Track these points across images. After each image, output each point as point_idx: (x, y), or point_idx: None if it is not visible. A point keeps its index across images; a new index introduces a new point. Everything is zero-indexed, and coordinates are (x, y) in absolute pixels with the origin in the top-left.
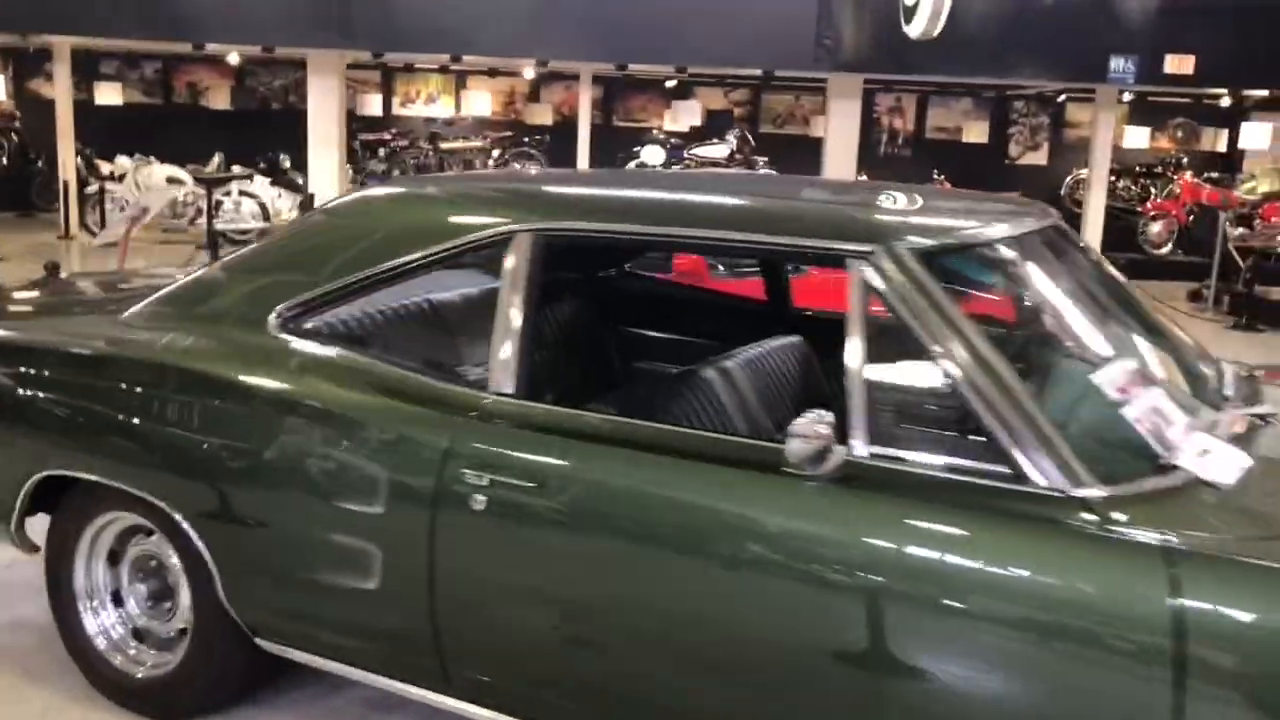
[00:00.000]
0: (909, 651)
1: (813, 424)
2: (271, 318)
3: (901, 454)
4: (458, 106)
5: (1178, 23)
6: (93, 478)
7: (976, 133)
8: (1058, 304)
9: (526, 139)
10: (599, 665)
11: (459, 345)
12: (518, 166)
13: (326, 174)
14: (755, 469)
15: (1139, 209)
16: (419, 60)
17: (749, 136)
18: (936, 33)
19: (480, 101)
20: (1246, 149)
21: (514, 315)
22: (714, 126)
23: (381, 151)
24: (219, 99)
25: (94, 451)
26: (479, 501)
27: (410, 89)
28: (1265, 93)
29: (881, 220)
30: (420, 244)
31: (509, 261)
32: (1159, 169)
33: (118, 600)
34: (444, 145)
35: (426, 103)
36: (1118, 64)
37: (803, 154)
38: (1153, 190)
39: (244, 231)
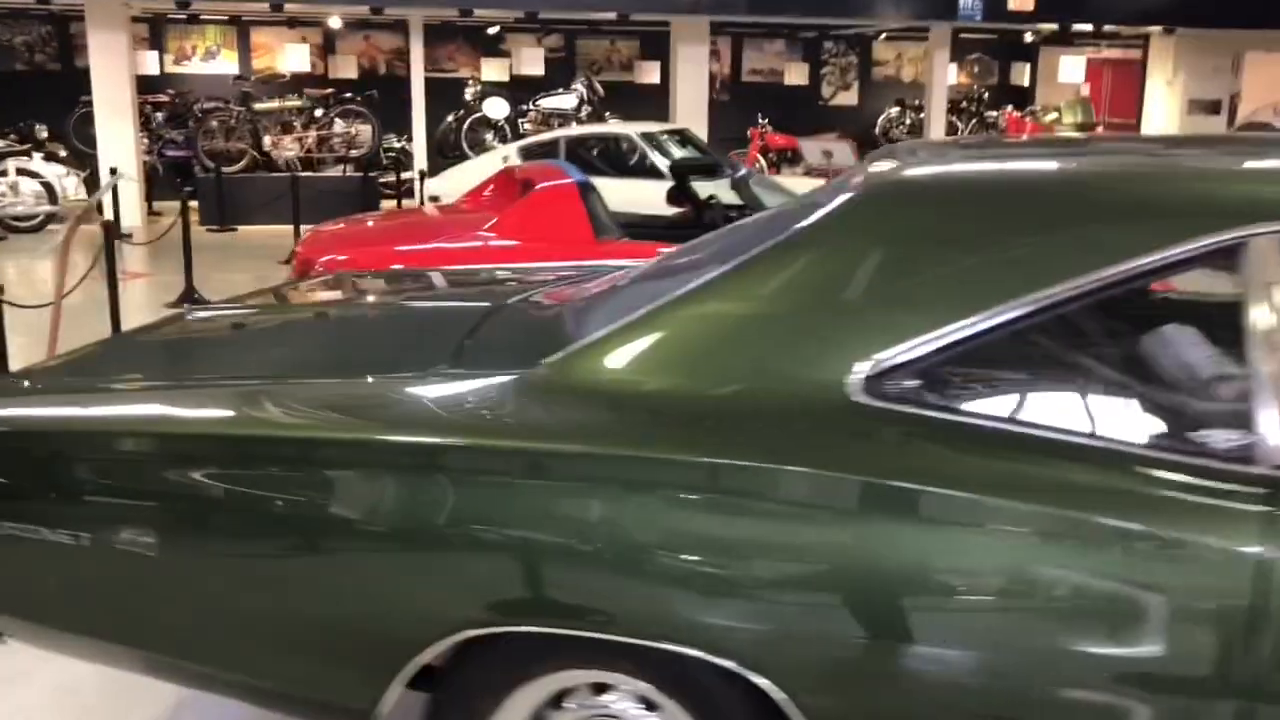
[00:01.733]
0: None
1: None
2: (853, 379)
3: None
4: (244, 61)
5: None
6: (559, 630)
7: (798, 75)
8: None
9: (348, 94)
10: None
11: (1130, 399)
12: (343, 125)
13: (118, 144)
14: None
15: None
16: (205, 10)
17: (597, 86)
18: None
19: (297, 56)
20: (1064, 82)
21: None
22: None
23: (159, 115)
24: None
25: (573, 590)
26: None
27: (186, 44)
28: (1055, 27)
29: None
30: (1114, 252)
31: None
32: (963, 104)
33: None
34: (258, 106)
35: (205, 58)
36: (967, 1)
37: (636, 103)
38: (959, 125)
39: (26, 218)
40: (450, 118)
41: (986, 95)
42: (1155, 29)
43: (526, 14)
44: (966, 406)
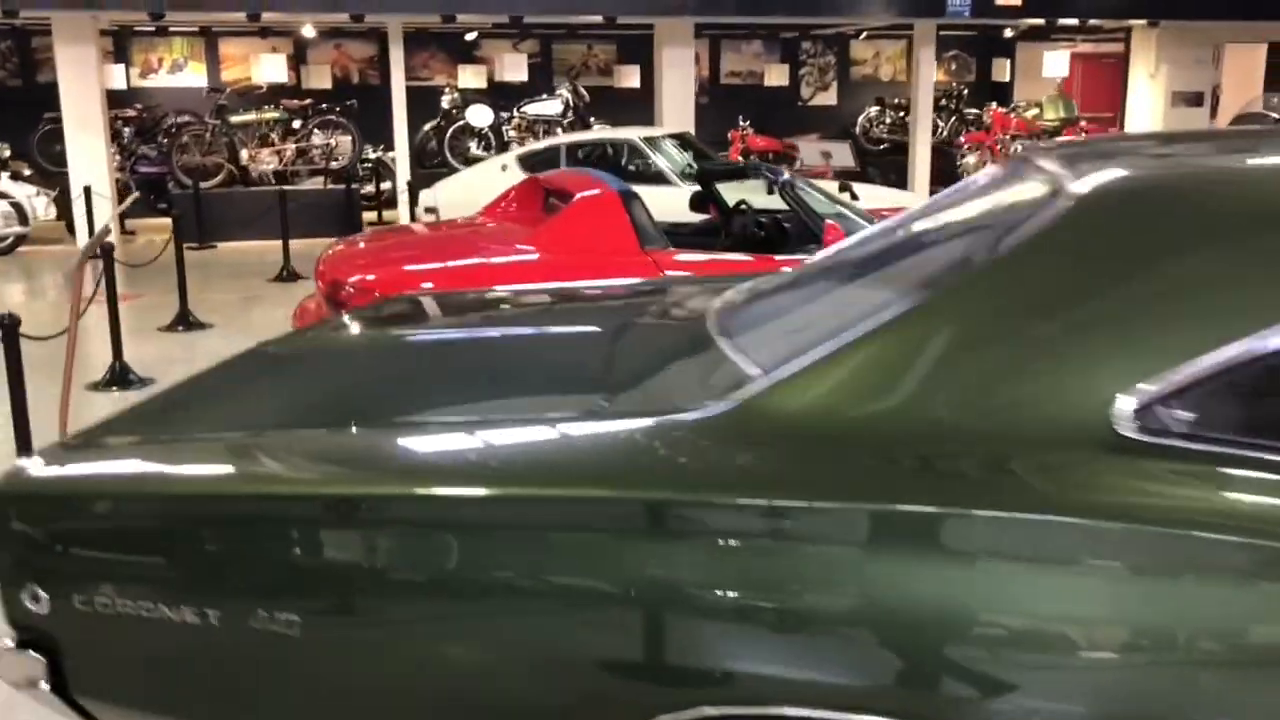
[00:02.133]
0: None
1: None
2: (1120, 410)
3: None
4: (213, 73)
5: None
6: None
7: (778, 76)
8: None
9: (325, 105)
10: None
11: None
12: (322, 137)
13: (90, 162)
14: None
15: (955, 143)
16: (178, 21)
17: (582, 91)
18: None
19: (273, 67)
20: (1046, 76)
21: None
22: (532, 84)
23: (127, 131)
24: None
25: (828, 665)
26: None
27: (152, 56)
28: (1040, 22)
29: None
30: None
31: None
32: (943, 101)
33: None
34: (234, 119)
35: (172, 71)
36: None
37: (617, 108)
38: (939, 122)
39: None
40: (428, 126)
41: (965, 92)
42: (1139, 22)
43: (511, 18)
44: (1263, 439)
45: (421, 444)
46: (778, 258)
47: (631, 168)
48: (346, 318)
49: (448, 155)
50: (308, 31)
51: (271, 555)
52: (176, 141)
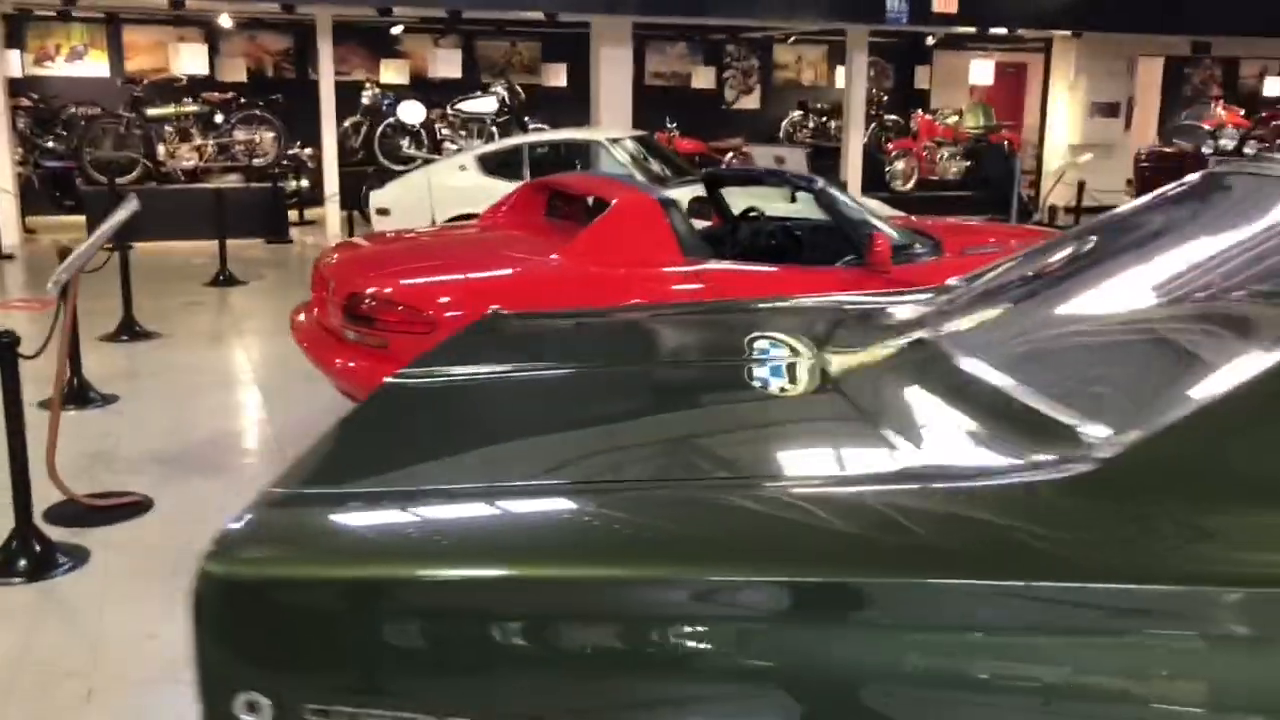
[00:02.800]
0: None
1: None
2: None
3: None
4: (115, 62)
5: None
6: None
7: (704, 79)
8: None
9: (244, 99)
10: None
11: None
12: (245, 132)
13: None
14: None
15: (883, 149)
16: (86, 6)
17: (517, 89)
18: None
19: (193, 58)
20: (974, 84)
21: None
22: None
23: (22, 122)
24: None
25: None
26: None
27: (49, 43)
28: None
29: None
30: None
31: None
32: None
33: None
34: (151, 112)
35: (71, 59)
36: (893, 4)
37: (545, 107)
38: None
39: None
40: (347, 123)
41: (886, 99)
42: (1063, 33)
43: (450, 12)
44: None
45: (787, 509)
46: (819, 269)
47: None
48: (489, 343)
49: (378, 154)
50: (224, 21)
51: (672, 657)
52: (88, 134)
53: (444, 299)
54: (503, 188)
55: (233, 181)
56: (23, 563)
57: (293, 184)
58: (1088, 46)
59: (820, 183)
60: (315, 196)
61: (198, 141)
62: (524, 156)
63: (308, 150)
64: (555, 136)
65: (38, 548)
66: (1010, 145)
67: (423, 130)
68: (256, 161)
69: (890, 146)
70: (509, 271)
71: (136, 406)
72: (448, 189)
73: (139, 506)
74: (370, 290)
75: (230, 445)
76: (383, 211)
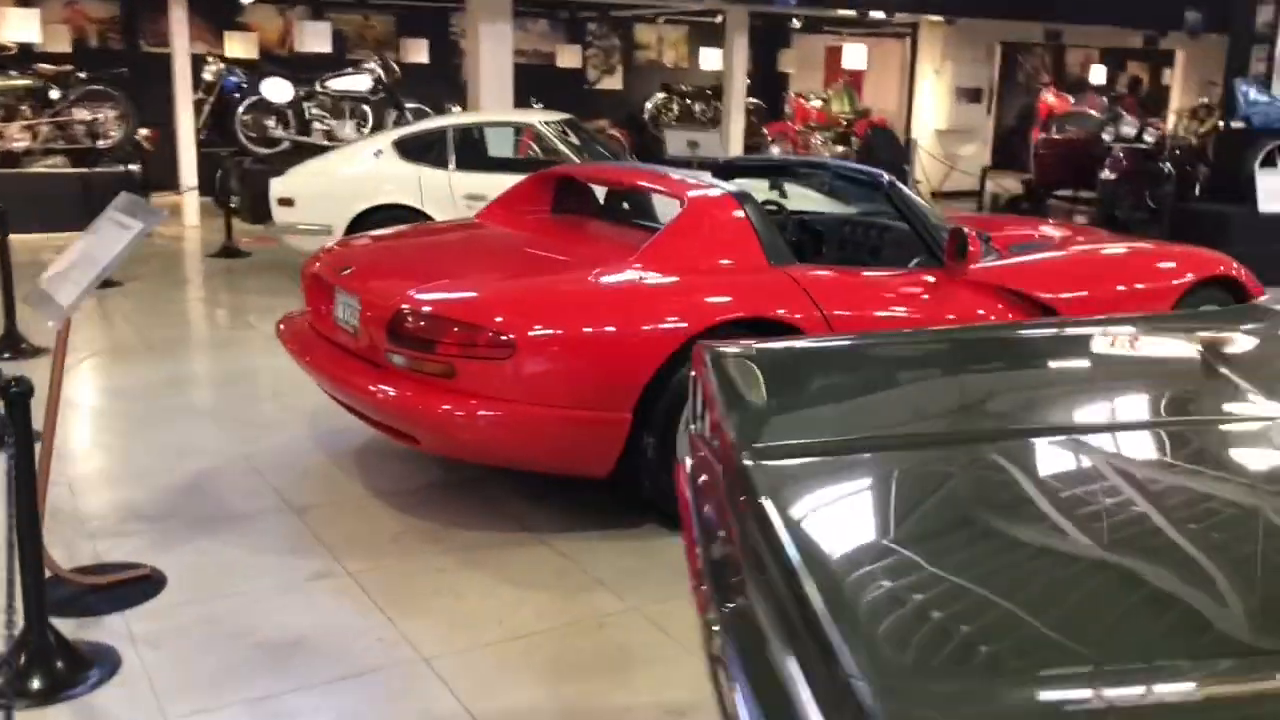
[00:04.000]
0: None
1: None
2: None
3: None
4: None
5: None
6: None
7: (570, 58)
8: None
9: (84, 73)
10: None
11: None
12: (85, 112)
13: None
14: None
15: (761, 133)
16: None
17: (394, 65)
18: None
19: (25, 24)
20: (850, 68)
21: None
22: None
23: None
24: None
25: None
26: None
27: None
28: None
29: None
30: None
31: None
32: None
33: None
34: None
35: None
36: None
37: (413, 86)
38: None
39: None
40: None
41: (749, 83)
42: (933, 17)
43: None
44: None
45: None
46: (908, 271)
47: (527, 155)
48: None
49: (240, 136)
50: None
51: None
52: None
53: (521, 316)
54: (428, 175)
55: (60, 166)
56: (36, 682)
57: (122, 168)
58: (954, 33)
59: (886, 177)
60: (154, 183)
61: (30, 120)
62: (448, 140)
63: (144, 131)
64: (483, 119)
65: (59, 663)
66: (884, 127)
67: (290, 110)
68: (101, 144)
69: (766, 131)
70: (588, 281)
71: (78, 448)
72: (362, 177)
73: (150, 582)
74: (424, 307)
75: (215, 489)
76: (286, 202)
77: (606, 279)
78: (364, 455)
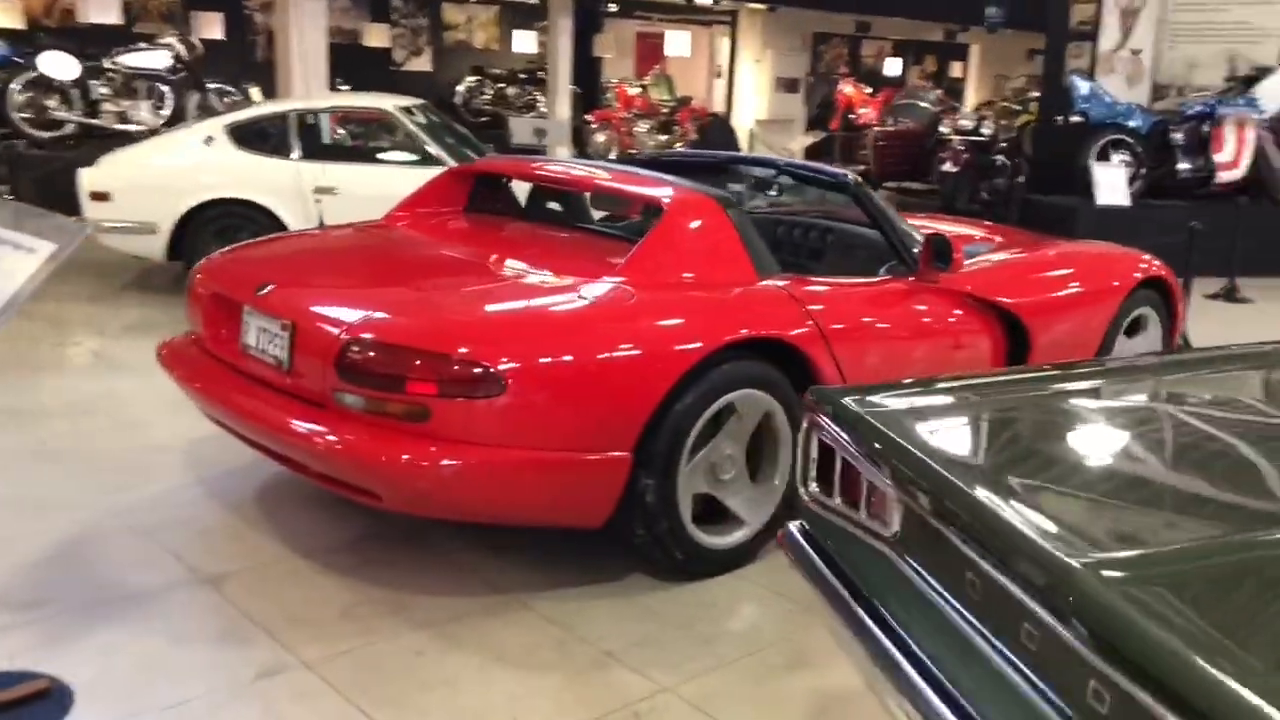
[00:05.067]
0: None
1: None
2: None
3: None
4: None
5: None
6: None
7: (378, 37)
8: None
9: None
10: None
11: None
12: None
13: None
14: None
15: (584, 119)
16: None
17: (195, 42)
18: None
19: None
20: (669, 55)
21: None
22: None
23: None
24: None
25: None
26: None
27: None
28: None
29: None
30: None
31: None
32: (540, 74)
33: None
34: None
35: None
36: None
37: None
38: (540, 96)
39: None
40: None
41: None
42: (755, 5)
43: None
44: None
45: None
46: (892, 281)
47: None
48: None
49: (14, 117)
50: None
51: None
52: None
53: (511, 345)
54: (270, 166)
55: None
56: None
57: None
58: (772, 22)
59: (852, 177)
60: None
61: None
62: (290, 125)
63: None
64: (331, 103)
65: None
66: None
67: (76, 89)
68: None
69: (590, 118)
70: (572, 302)
71: None
72: (190, 168)
73: (51, 698)
74: (386, 337)
75: (98, 559)
76: (100, 197)
77: (599, 298)
78: (268, 502)
